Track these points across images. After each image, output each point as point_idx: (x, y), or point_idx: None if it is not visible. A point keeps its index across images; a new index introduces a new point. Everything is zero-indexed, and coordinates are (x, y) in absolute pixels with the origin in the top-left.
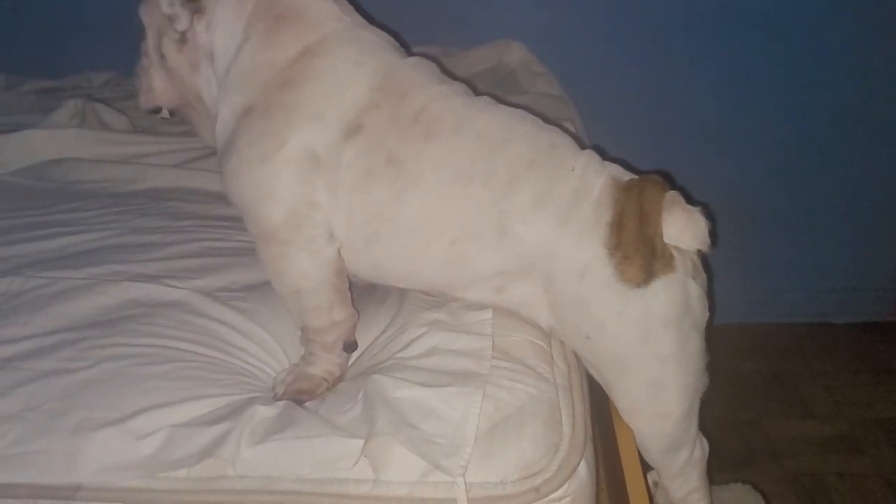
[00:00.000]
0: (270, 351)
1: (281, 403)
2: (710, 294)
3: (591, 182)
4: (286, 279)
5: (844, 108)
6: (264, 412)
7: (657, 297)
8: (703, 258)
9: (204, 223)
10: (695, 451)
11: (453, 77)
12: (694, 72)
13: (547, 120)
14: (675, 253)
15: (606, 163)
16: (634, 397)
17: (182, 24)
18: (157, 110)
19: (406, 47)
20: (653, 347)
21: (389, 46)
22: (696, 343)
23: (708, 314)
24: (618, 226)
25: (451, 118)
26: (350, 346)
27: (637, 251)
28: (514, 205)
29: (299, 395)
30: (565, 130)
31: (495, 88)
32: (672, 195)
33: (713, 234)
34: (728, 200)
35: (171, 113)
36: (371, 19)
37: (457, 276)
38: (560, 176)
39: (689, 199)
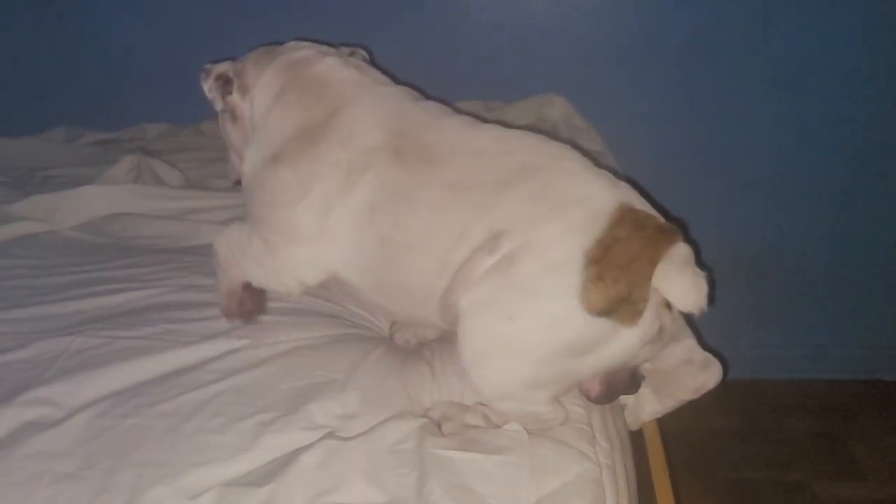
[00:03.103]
0: (308, 408)
1: (323, 451)
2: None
3: (595, 196)
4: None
5: (892, 163)
6: (308, 460)
7: (589, 329)
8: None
9: None
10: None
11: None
12: (738, 128)
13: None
14: (649, 315)
15: (620, 184)
16: (502, 380)
17: (218, 105)
18: (239, 182)
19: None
20: (556, 363)
21: (404, 94)
22: (584, 371)
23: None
24: (606, 246)
25: (447, 142)
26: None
27: (614, 282)
28: (508, 201)
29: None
30: (579, 148)
31: None
32: (684, 252)
33: (712, 298)
34: (775, 254)
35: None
36: (395, 77)
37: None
38: (561, 181)
39: (699, 259)
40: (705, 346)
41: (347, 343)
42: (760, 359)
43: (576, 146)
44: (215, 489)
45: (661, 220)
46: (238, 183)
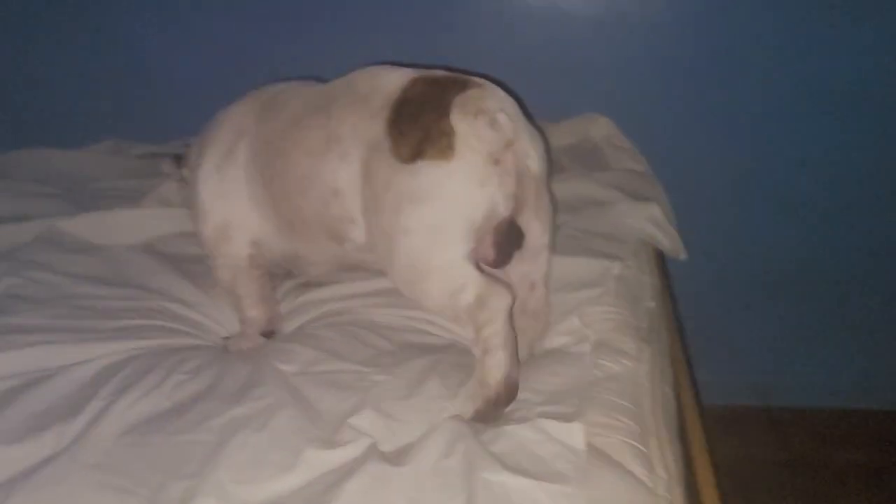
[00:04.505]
0: (351, 420)
1: (367, 477)
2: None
3: (392, 79)
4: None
5: None
6: (352, 487)
7: (417, 175)
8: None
9: None
10: (467, 294)
11: None
12: (782, 149)
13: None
14: (462, 146)
15: (433, 71)
16: (400, 271)
17: (176, 176)
18: None
19: None
20: (403, 220)
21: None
22: (450, 226)
23: (486, 214)
24: (400, 106)
25: (287, 97)
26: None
27: (410, 128)
28: (334, 116)
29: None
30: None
31: (579, 164)
32: (474, 94)
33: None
34: (821, 279)
35: None
36: None
37: (317, 206)
38: (366, 84)
39: (525, 110)
40: (751, 373)
41: (392, 360)
42: (806, 387)
43: (619, 166)
44: None
45: (466, 77)
46: None
